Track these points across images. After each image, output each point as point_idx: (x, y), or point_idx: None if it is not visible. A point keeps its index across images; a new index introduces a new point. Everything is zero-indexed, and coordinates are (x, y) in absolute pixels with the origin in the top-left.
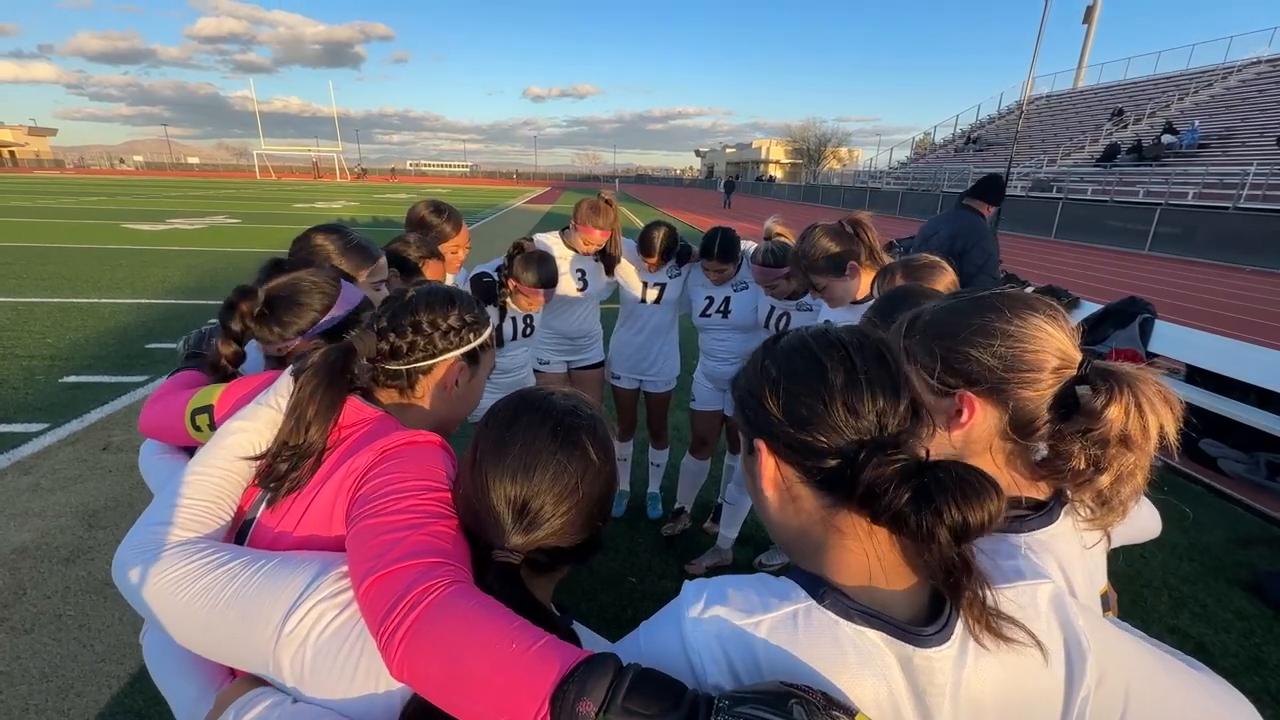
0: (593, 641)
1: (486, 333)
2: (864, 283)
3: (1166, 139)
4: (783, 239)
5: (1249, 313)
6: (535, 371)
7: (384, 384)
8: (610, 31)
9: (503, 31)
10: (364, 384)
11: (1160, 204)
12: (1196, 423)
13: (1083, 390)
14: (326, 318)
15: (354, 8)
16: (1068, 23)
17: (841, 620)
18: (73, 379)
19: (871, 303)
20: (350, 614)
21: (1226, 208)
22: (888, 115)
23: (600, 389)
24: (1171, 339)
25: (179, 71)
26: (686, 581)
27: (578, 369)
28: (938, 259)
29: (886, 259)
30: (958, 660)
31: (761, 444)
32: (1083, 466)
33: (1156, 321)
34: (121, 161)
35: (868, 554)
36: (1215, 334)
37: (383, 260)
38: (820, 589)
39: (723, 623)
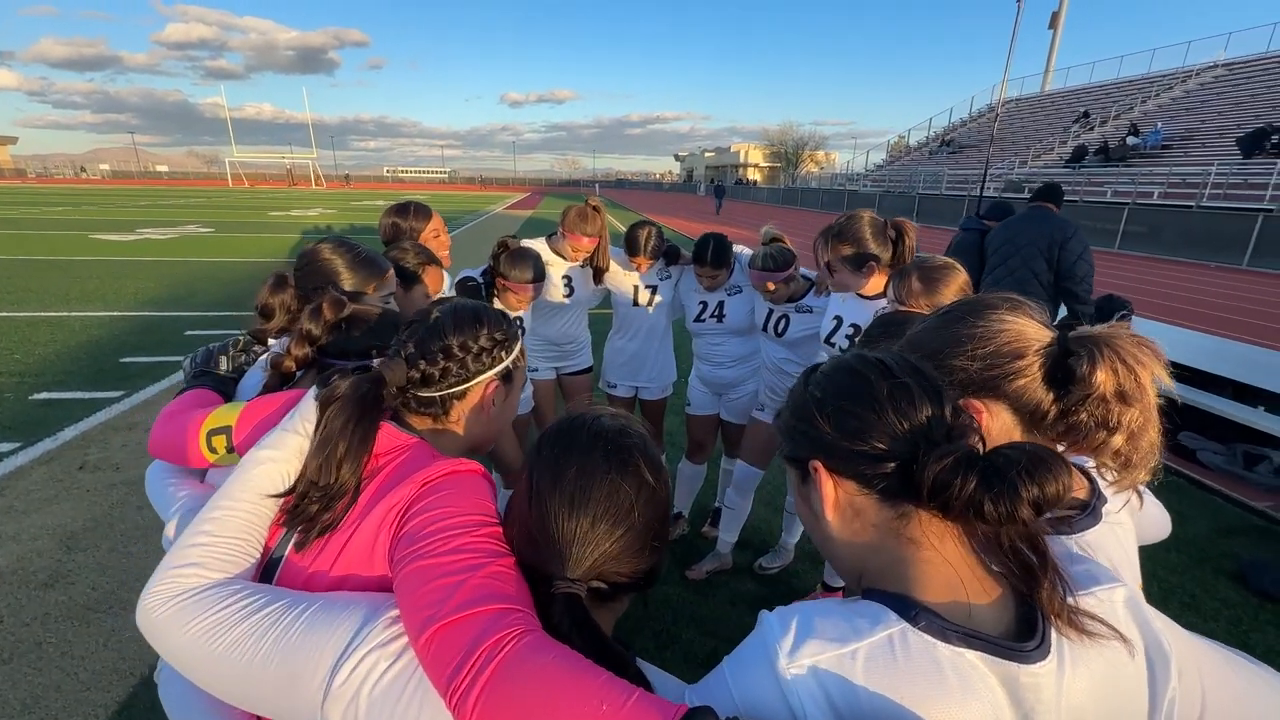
0: (662, 682)
1: (518, 347)
2: (876, 281)
3: (1131, 140)
4: (780, 243)
5: (1217, 308)
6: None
7: (416, 411)
8: (587, 38)
9: (480, 37)
10: (392, 408)
11: (1128, 204)
12: (1175, 417)
13: (1073, 361)
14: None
15: (328, 14)
16: (1034, 28)
17: (939, 642)
18: (44, 396)
19: (883, 301)
20: (406, 663)
21: (1191, 206)
22: (862, 119)
23: (590, 395)
24: (1148, 335)
25: (146, 78)
26: (765, 612)
27: (566, 375)
28: (951, 260)
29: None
30: (1058, 674)
31: (818, 464)
32: (1095, 430)
33: (1133, 318)
34: (83, 170)
35: (948, 562)
36: (1188, 329)
37: (391, 273)
38: (912, 610)
39: (819, 658)
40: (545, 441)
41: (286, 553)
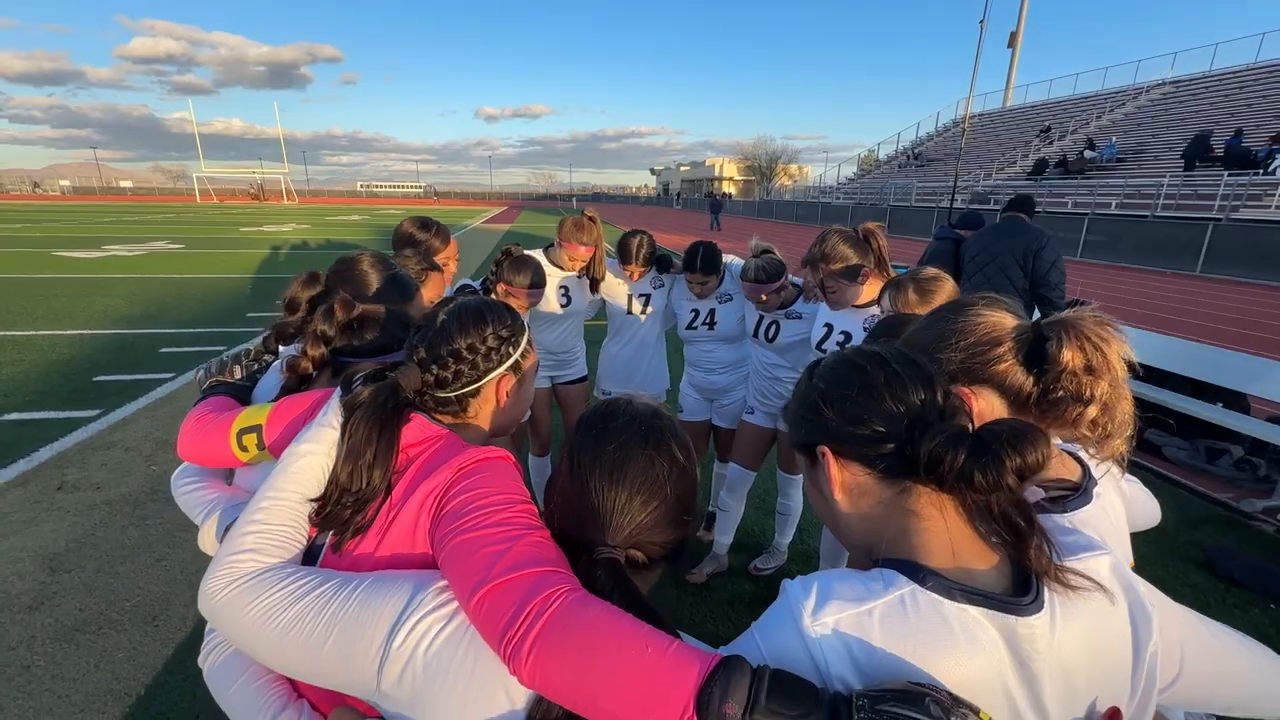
0: (694, 644)
1: (525, 339)
2: (866, 290)
3: (1088, 154)
4: (771, 254)
5: (1174, 311)
6: None
7: (435, 409)
8: (562, 53)
9: (454, 53)
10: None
11: (1088, 214)
12: (1140, 414)
13: (1047, 344)
14: (393, 355)
15: (300, 30)
16: (993, 46)
17: (945, 600)
18: (16, 416)
19: (872, 310)
20: (457, 625)
21: (1146, 216)
22: (833, 133)
23: (586, 404)
24: None
25: (110, 93)
26: (788, 581)
27: (562, 384)
28: (940, 272)
29: (891, 268)
30: (1051, 625)
31: (825, 449)
32: (1071, 404)
33: None
34: (37, 186)
35: (948, 530)
36: (1149, 332)
37: (420, 299)
38: (920, 572)
39: (839, 617)
40: (584, 423)
41: (328, 539)
